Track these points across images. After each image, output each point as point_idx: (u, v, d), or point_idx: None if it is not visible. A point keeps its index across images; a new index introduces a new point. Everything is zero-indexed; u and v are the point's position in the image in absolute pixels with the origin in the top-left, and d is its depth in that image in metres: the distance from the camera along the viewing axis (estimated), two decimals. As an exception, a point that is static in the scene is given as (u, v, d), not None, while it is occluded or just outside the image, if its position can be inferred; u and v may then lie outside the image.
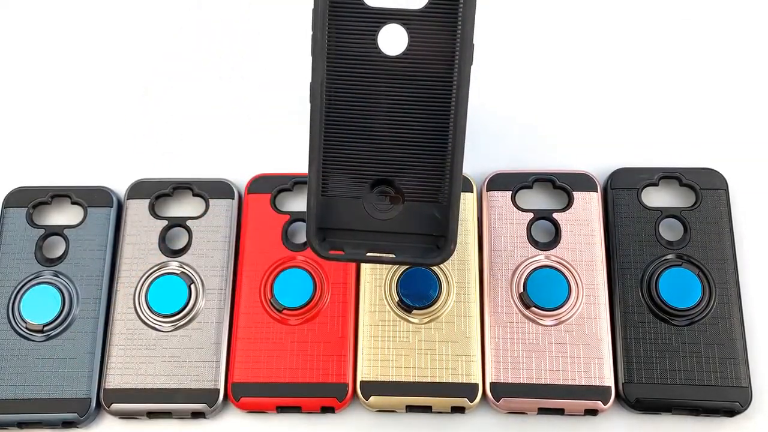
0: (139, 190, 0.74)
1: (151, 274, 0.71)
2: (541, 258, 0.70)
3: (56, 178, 0.76)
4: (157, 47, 0.83)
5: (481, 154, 0.74)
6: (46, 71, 0.83)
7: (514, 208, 0.72)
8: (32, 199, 0.74)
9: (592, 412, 0.67)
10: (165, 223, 0.73)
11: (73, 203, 0.74)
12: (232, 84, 0.81)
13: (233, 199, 0.74)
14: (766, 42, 0.81)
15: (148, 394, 0.68)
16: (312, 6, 0.54)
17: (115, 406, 0.68)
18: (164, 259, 0.72)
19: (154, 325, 0.70)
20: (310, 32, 0.55)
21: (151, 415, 0.68)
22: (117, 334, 0.70)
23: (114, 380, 0.68)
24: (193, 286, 0.71)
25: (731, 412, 0.67)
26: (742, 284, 0.70)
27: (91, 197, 0.74)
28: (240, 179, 0.75)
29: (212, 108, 0.80)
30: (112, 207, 0.74)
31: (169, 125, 0.80)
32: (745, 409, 0.67)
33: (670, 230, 0.72)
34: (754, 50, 0.81)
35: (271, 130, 0.76)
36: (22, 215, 0.73)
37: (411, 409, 0.68)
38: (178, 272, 0.71)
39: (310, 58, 0.55)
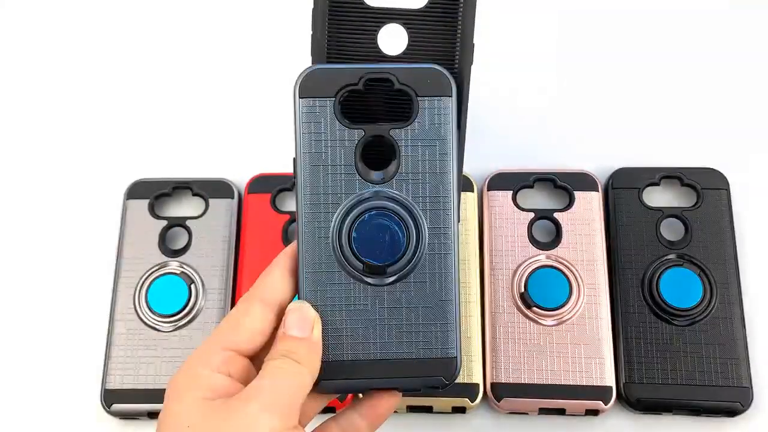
0: (137, 190, 0.74)
1: (151, 274, 0.71)
2: (542, 258, 0.70)
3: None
4: (158, 47, 0.83)
5: (482, 153, 0.74)
6: (48, 69, 0.83)
7: (515, 208, 0.72)
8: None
9: (593, 412, 0.67)
10: (165, 223, 0.73)
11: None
12: (232, 84, 0.81)
13: (233, 199, 0.74)
14: (767, 42, 0.81)
15: (148, 395, 0.68)
16: (312, 6, 0.54)
17: (116, 406, 0.68)
18: (164, 259, 0.72)
19: (154, 325, 0.70)
20: (310, 32, 0.55)
21: (152, 415, 0.68)
22: (117, 335, 0.70)
23: (114, 381, 0.69)
24: (193, 286, 0.71)
25: (732, 413, 0.67)
26: (743, 284, 0.70)
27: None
28: (240, 179, 0.75)
29: (212, 108, 0.80)
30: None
31: (170, 125, 0.80)
32: (746, 409, 0.67)
33: (671, 230, 0.72)
34: (755, 51, 0.81)
35: (271, 130, 0.76)
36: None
37: (412, 409, 0.68)
38: (178, 272, 0.71)
39: (310, 58, 0.55)
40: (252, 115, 0.79)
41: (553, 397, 0.67)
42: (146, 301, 0.70)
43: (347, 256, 0.51)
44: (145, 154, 0.79)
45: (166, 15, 0.84)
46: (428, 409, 0.68)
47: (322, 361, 0.50)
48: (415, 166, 0.52)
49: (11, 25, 0.85)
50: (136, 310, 0.71)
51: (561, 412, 0.67)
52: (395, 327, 0.51)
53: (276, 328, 0.50)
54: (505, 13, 0.80)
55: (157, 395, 0.68)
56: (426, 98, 0.52)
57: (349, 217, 0.51)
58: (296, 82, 0.51)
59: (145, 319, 0.70)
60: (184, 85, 0.81)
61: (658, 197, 0.74)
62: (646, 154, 0.76)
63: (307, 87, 0.51)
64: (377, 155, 0.52)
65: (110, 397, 0.68)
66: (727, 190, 0.73)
